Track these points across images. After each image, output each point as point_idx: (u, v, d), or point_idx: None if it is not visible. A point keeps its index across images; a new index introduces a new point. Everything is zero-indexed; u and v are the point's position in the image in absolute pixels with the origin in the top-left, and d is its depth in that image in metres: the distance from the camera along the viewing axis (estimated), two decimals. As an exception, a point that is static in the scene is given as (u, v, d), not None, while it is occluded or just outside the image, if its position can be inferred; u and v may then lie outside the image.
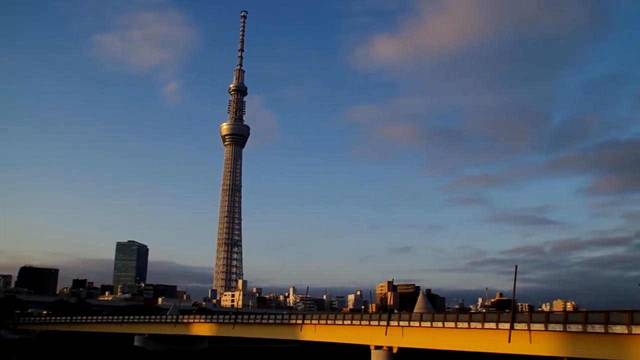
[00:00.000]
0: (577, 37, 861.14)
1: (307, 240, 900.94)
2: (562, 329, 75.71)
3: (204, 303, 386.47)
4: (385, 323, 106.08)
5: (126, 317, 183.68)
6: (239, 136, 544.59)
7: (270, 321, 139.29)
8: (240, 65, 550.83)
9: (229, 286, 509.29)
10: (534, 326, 79.70)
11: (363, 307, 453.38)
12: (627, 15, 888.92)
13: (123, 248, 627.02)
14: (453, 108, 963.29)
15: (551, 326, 77.33)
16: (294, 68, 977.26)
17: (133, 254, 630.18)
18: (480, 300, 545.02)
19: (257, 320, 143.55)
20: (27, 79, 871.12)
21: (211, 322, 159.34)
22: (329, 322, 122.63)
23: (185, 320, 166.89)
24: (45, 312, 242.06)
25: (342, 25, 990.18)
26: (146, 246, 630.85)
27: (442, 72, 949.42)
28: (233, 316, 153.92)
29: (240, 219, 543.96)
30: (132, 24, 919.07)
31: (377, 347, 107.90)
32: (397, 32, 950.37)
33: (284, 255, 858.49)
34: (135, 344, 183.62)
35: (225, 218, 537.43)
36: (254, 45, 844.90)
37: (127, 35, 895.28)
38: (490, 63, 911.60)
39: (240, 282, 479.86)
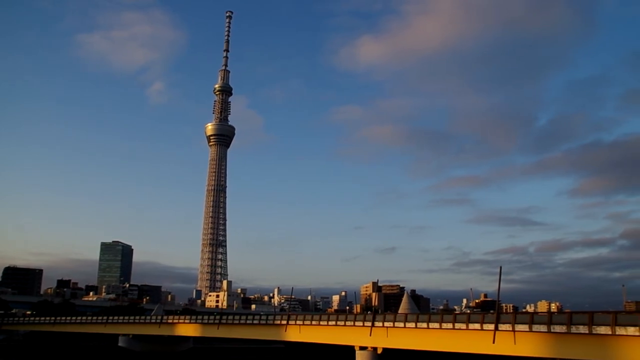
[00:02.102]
0: (562, 38, 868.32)
1: (292, 240, 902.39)
2: (546, 330, 75.89)
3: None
4: (369, 324, 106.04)
5: (110, 317, 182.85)
6: (224, 136, 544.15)
7: (255, 322, 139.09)
8: (226, 65, 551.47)
9: (213, 287, 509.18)
10: (519, 327, 79.88)
11: (348, 307, 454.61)
12: (612, 17, 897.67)
13: (107, 248, 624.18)
14: (438, 109, 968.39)
15: (535, 327, 77.50)
16: (279, 68, 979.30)
17: (117, 254, 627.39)
18: (464, 301, 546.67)
19: (242, 321, 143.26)
20: (13, 80, 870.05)
21: (196, 322, 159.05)
22: (313, 322, 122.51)
23: (169, 321, 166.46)
24: (29, 312, 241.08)
25: (327, 25, 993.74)
26: (131, 246, 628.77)
27: (427, 73, 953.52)
28: (218, 317, 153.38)
29: (225, 219, 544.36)
30: (116, 24, 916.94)
31: (362, 348, 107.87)
32: (382, 33, 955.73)
33: (268, 256, 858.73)
34: (120, 344, 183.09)
35: (210, 218, 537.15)
36: (239, 46, 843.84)
37: (111, 35, 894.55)
38: (476, 64, 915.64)
39: (224, 282, 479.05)
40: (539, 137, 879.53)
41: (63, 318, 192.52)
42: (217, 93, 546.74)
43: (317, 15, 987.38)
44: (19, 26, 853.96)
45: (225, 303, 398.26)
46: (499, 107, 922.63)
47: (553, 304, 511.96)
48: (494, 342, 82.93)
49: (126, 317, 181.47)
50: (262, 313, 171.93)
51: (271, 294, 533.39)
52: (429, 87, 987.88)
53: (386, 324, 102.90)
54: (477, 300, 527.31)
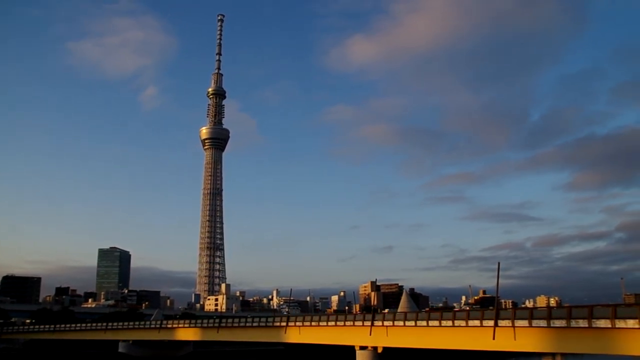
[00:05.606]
0: (552, 33, 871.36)
1: (289, 242, 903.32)
2: (546, 325, 75.82)
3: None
4: (369, 323, 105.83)
5: (110, 323, 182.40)
6: (218, 140, 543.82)
7: (255, 324, 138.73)
8: (219, 69, 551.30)
9: (212, 290, 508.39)
10: (518, 322, 79.81)
11: (347, 307, 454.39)
12: (602, 11, 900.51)
13: (105, 254, 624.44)
14: (431, 107, 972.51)
15: (535, 322, 77.42)
16: (271, 71, 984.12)
17: (115, 260, 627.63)
18: (463, 298, 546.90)
19: (242, 324, 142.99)
20: (6, 88, 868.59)
21: (195, 326, 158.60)
22: (313, 323, 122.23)
23: (169, 326, 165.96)
24: (28, 320, 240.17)
25: (317, 26, 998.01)
26: (128, 252, 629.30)
27: (419, 71, 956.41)
28: (217, 320, 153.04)
29: (222, 222, 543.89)
30: (107, 30, 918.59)
31: (362, 348, 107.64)
32: (373, 33, 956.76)
33: (266, 258, 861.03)
34: (120, 350, 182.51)
35: (207, 222, 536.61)
36: (230, 49, 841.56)
37: (102, 42, 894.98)
38: (467, 61, 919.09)
39: (223, 285, 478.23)
40: (532, 132, 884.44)
41: (62, 325, 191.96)
42: (211, 96, 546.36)
43: (307, 16, 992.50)
44: (8, 34, 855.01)
45: (224, 306, 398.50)
46: (491, 104, 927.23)
47: (552, 299, 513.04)
48: (494, 339, 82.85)
49: (126, 323, 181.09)
50: (267, 315, 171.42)
51: (270, 296, 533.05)
52: (421, 86, 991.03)
53: (386, 323, 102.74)
54: (476, 297, 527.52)
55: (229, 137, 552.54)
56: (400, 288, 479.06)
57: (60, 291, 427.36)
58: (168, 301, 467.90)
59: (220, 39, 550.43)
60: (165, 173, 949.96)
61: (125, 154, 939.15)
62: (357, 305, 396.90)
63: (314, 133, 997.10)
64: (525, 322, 78.88)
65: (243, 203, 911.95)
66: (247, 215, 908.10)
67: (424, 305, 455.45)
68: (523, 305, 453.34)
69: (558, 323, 74.49)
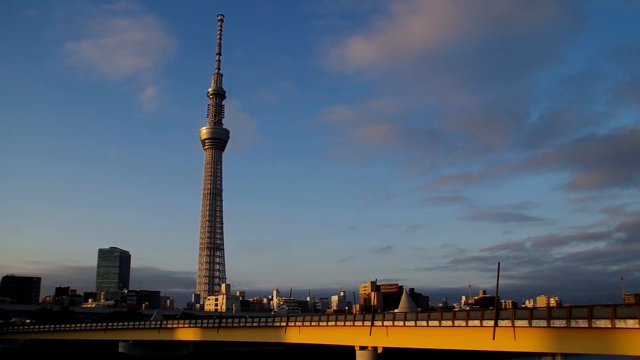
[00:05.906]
0: (551, 34, 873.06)
1: (289, 242, 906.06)
2: (546, 325, 75.76)
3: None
4: (369, 323, 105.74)
5: (110, 324, 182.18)
6: (218, 140, 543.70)
7: (255, 324, 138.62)
8: (218, 69, 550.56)
9: (212, 290, 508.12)
10: (518, 323, 79.76)
11: (347, 307, 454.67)
12: (601, 11, 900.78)
13: (105, 255, 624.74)
14: (430, 108, 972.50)
15: (535, 322, 77.34)
16: (269, 71, 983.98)
17: (115, 261, 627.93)
18: (463, 298, 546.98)
19: (242, 324, 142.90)
20: (5, 90, 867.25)
21: (195, 326, 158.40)
22: (313, 323, 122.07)
23: (169, 326, 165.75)
24: (28, 320, 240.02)
25: (317, 27, 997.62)
26: (128, 252, 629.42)
27: (418, 72, 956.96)
28: (217, 320, 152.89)
29: (222, 222, 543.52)
30: (106, 31, 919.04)
31: (362, 348, 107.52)
32: (372, 33, 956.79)
33: (265, 258, 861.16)
34: (120, 350, 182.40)
35: (207, 222, 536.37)
36: (229, 49, 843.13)
37: (102, 43, 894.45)
38: (466, 62, 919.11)
39: (223, 286, 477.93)
40: (531, 133, 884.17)
41: (63, 326, 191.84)
42: (211, 97, 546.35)
43: (306, 17, 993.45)
44: (7, 35, 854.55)
45: (224, 306, 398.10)
46: (490, 104, 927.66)
47: (552, 299, 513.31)
48: (493, 339, 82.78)
49: (125, 323, 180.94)
50: (267, 316, 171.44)
51: (270, 296, 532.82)
52: (420, 86, 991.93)
53: (386, 323, 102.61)
54: (475, 297, 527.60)
55: (228, 137, 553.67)
56: (400, 288, 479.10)
57: (60, 291, 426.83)
58: (168, 301, 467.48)
59: (220, 39, 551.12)
60: (165, 173, 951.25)
61: (125, 154, 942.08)
62: (357, 306, 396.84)
63: (313, 133, 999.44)
64: (525, 322, 78.83)
65: (243, 203, 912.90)
66: (247, 215, 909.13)
67: (424, 305, 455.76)
68: (523, 305, 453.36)
69: (558, 323, 74.44)
